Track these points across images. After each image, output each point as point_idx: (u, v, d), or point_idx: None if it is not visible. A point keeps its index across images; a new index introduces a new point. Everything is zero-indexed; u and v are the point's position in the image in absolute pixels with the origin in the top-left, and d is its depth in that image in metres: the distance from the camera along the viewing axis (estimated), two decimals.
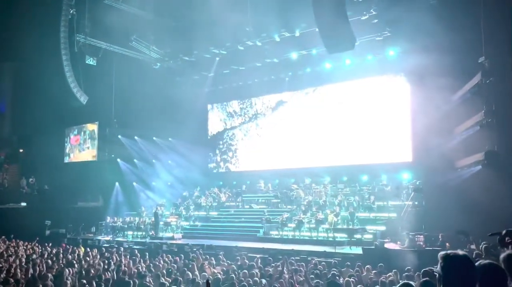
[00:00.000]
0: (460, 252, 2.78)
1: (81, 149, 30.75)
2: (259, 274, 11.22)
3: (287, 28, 21.65)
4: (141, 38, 25.10)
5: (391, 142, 22.10)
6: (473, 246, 12.49)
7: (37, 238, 20.60)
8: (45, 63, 24.47)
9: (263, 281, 10.17)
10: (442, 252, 2.78)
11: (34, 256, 15.53)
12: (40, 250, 17.52)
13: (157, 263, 13.54)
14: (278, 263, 12.84)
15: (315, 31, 17.32)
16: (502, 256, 3.25)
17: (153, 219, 23.33)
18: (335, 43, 14.88)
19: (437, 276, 2.77)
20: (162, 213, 24.17)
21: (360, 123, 23.22)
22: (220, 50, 24.17)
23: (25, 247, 17.92)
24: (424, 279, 4.62)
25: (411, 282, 3.90)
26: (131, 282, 9.81)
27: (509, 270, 3.03)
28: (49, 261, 13.92)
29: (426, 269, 6.90)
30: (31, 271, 11.26)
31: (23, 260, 13.96)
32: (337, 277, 10.49)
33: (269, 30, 22.09)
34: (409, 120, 21.46)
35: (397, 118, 22.12)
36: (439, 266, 2.74)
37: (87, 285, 9.39)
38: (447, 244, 14.60)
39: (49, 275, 10.39)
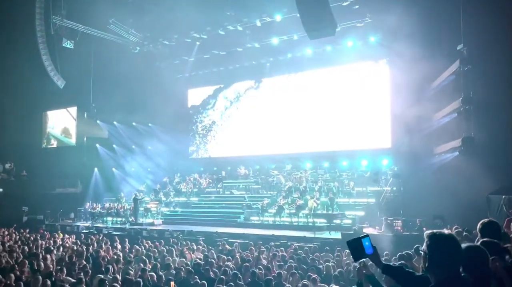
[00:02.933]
0: (446, 231, 2.81)
1: (59, 133, 30.23)
2: (239, 259, 11.27)
3: (268, 13, 21.49)
4: (120, 21, 24.59)
5: (371, 128, 22.30)
6: (448, 231, 12.75)
7: (15, 225, 20.34)
8: (20, 45, 23.83)
9: (244, 264, 10.20)
10: (429, 231, 2.82)
11: (11, 242, 15.33)
12: (18, 237, 17.30)
13: (137, 249, 13.49)
14: (255, 249, 12.90)
15: (296, 17, 17.22)
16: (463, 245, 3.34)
17: (132, 205, 23.19)
18: (316, 28, 14.79)
19: (422, 254, 2.80)
20: (141, 199, 24.02)
21: (341, 109, 23.34)
22: (201, 34, 23.89)
23: (2, 234, 17.64)
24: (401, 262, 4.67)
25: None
26: (110, 267, 9.76)
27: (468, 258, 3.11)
28: (27, 248, 13.79)
29: (403, 253, 7.02)
30: (7, 258, 11.11)
31: (0, 247, 13.76)
32: (317, 262, 10.61)
33: (250, 15, 21.89)
34: (389, 106, 21.64)
35: (377, 104, 22.30)
36: (425, 244, 2.77)
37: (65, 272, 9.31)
38: (424, 228, 14.85)
39: (26, 261, 10.27)
